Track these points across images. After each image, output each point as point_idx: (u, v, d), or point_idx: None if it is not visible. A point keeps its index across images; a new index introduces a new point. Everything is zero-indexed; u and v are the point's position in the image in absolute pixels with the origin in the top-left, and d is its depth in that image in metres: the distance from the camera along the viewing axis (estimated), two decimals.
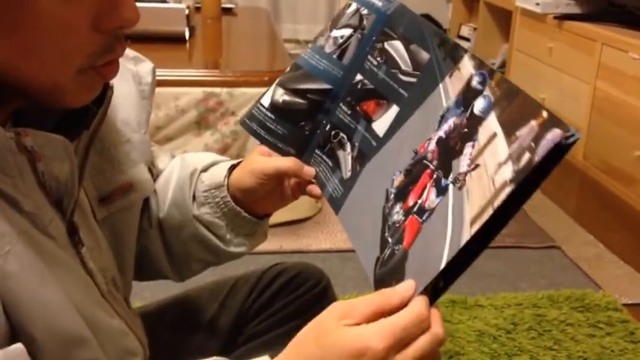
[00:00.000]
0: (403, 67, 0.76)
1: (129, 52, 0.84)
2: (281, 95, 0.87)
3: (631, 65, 2.71)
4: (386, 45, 0.80)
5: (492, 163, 0.59)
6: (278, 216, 2.40)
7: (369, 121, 0.79)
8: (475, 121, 0.63)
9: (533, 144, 0.56)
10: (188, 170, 0.92)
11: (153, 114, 2.15)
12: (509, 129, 0.59)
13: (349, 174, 0.80)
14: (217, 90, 2.15)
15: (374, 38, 0.82)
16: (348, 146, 0.82)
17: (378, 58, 0.81)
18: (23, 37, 0.54)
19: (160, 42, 2.29)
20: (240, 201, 0.89)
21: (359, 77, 0.83)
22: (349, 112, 0.83)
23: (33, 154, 0.59)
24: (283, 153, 0.88)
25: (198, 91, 2.14)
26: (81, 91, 0.61)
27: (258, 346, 1.00)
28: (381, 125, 0.77)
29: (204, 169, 0.93)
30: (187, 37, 2.42)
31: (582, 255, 2.35)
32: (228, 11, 3.03)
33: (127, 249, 0.84)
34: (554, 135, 0.55)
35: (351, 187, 0.79)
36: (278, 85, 0.88)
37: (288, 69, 0.89)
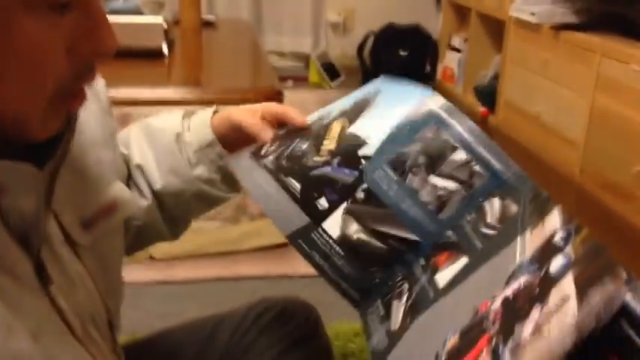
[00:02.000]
0: (489, 219, 0.73)
1: None
2: (356, 231, 0.78)
3: (632, 77, 2.62)
4: (485, 202, 0.75)
5: (557, 332, 0.52)
6: (264, 240, 2.33)
7: (435, 271, 0.74)
8: (549, 282, 0.57)
9: (602, 311, 0.51)
10: (168, 136, 0.93)
11: None
12: (583, 291, 0.53)
13: (397, 326, 0.73)
14: (199, 109, 2.03)
15: (480, 199, 0.75)
16: (405, 296, 0.75)
17: (473, 215, 0.76)
18: None
19: (137, 58, 2.18)
20: (227, 145, 0.92)
21: (449, 233, 0.76)
22: (423, 264, 0.76)
23: None
24: (345, 294, 0.79)
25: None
26: (48, 121, 0.58)
27: None
28: (444, 276, 0.72)
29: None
30: (166, 52, 2.30)
31: None
32: (208, 24, 2.92)
33: (114, 272, 0.81)
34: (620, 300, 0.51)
35: (396, 342, 0.71)
36: (351, 215, 0.79)
37: (362, 195, 0.79)
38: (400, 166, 0.79)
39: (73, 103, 0.60)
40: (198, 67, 2.55)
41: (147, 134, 0.95)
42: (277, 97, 2.15)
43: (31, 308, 0.58)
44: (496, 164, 0.77)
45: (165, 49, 2.31)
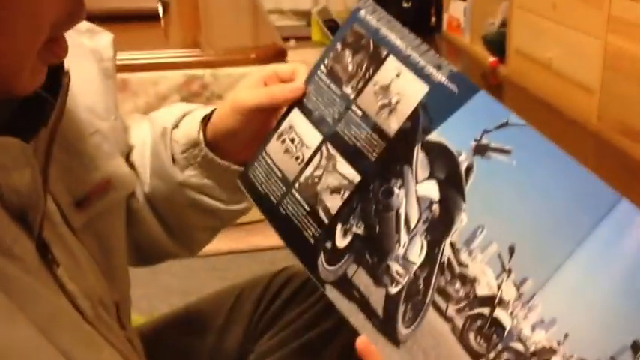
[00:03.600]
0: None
1: (81, 24, 0.71)
2: None
3: None
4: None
5: None
6: None
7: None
8: None
9: None
10: (158, 132, 0.82)
11: (131, 103, 2.02)
12: None
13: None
14: (200, 72, 2.01)
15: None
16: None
17: None
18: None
19: (131, 21, 2.12)
20: (226, 150, 0.80)
21: None
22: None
23: None
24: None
25: (178, 74, 2.00)
26: (34, 75, 0.54)
27: None
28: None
29: (175, 126, 0.83)
30: (161, 14, 2.24)
31: None
32: None
33: (117, 254, 0.75)
34: None
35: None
36: None
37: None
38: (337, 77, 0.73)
39: (56, 53, 0.55)
40: (195, 27, 2.49)
41: (151, 127, 0.85)
42: (280, 55, 2.09)
43: (40, 295, 0.54)
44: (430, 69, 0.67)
45: (160, 10, 2.25)
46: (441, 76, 0.64)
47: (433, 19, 4.47)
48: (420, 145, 0.63)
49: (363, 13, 0.71)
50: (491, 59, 3.81)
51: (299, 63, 0.79)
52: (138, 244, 0.84)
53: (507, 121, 0.58)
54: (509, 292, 0.55)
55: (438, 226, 0.60)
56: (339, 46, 0.72)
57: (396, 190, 0.64)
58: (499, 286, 0.56)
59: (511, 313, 0.55)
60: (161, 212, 0.84)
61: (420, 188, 0.63)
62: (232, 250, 2.04)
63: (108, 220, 0.73)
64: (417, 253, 0.61)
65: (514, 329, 0.54)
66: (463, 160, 0.60)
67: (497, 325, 0.55)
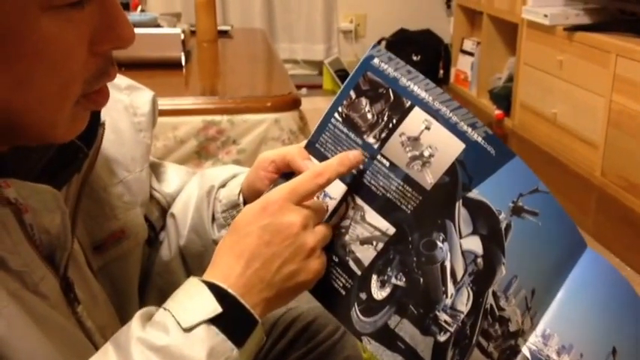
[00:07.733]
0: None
1: (122, 81, 0.76)
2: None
3: None
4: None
5: None
6: None
7: None
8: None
9: None
10: (205, 188, 0.83)
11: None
12: None
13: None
14: (217, 118, 2.05)
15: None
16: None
17: None
18: (22, 69, 0.50)
19: (156, 69, 2.19)
20: None
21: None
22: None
23: (18, 205, 0.54)
24: None
25: (197, 120, 2.04)
26: (74, 122, 0.56)
27: None
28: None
29: (223, 185, 0.83)
30: (184, 62, 2.30)
31: None
32: (224, 34, 2.92)
33: (128, 299, 0.78)
34: None
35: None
36: None
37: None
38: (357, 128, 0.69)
39: (99, 100, 0.58)
40: (215, 76, 2.55)
41: (200, 182, 0.85)
42: (295, 104, 2.14)
43: (59, 328, 0.57)
44: (463, 125, 0.66)
45: (183, 60, 2.31)
46: (476, 136, 0.65)
47: (441, 72, 4.57)
48: (461, 201, 0.65)
49: (377, 61, 0.68)
50: (497, 112, 3.88)
51: None
52: (163, 293, 0.84)
53: (537, 188, 0.66)
54: (526, 324, 0.66)
55: (482, 278, 0.65)
56: (352, 94, 0.69)
57: (439, 244, 0.65)
58: (523, 322, 0.66)
59: (525, 340, 0.66)
60: (191, 266, 0.84)
61: (464, 242, 0.65)
62: None
63: (121, 265, 0.75)
64: (464, 303, 0.65)
65: (539, 354, 0.66)
66: (503, 219, 0.65)
67: (518, 351, 0.66)
